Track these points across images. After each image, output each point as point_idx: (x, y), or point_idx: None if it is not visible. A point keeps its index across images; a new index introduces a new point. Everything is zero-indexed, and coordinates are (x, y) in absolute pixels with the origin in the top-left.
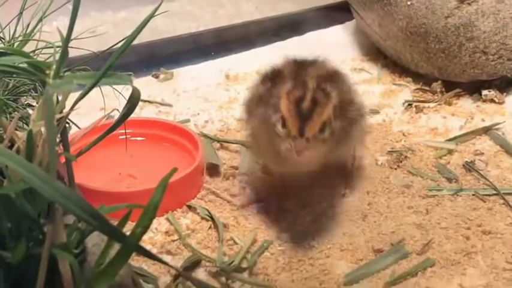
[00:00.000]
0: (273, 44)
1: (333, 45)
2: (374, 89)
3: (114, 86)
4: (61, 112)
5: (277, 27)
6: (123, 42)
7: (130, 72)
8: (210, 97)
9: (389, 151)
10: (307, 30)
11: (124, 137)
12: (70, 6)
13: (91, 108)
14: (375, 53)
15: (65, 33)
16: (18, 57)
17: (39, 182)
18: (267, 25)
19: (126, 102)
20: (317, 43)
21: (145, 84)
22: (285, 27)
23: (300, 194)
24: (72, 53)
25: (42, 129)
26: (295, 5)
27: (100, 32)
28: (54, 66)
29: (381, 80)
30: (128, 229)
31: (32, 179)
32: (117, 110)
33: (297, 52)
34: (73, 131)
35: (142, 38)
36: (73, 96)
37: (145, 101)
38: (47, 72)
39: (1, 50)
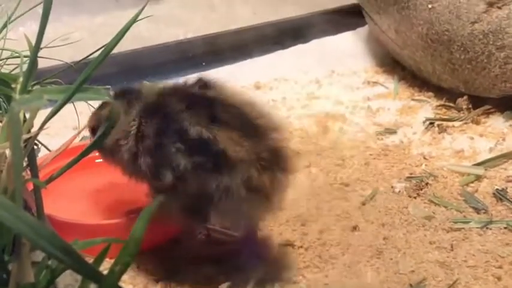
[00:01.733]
0: (274, 53)
1: (343, 55)
2: (390, 105)
3: (90, 102)
4: (29, 132)
5: (278, 33)
6: (100, 51)
7: (108, 86)
8: None
9: (408, 177)
10: (313, 37)
11: (101, 160)
12: (40, 10)
13: (63, 127)
14: (391, 63)
15: (33, 41)
16: None
17: (3, 212)
18: (267, 31)
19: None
20: (324, 52)
21: None
22: (287, 33)
23: (303, 225)
24: (42, 63)
25: (7, 151)
26: (298, 9)
27: (74, 39)
28: (21, 79)
29: (398, 94)
30: (105, 267)
31: None
32: None
33: (301, 62)
34: (42, 153)
35: (123, 47)
36: (42, 113)
37: None
38: (13, 86)
39: None
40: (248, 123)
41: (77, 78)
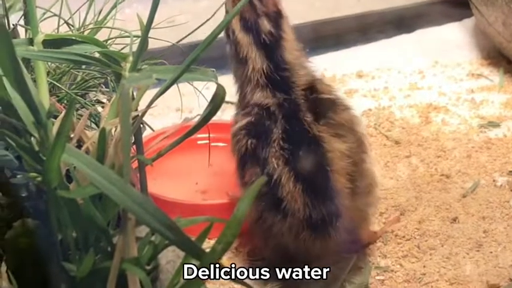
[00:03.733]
0: (377, 42)
1: (448, 46)
2: (494, 98)
3: (194, 84)
4: (136, 110)
5: (382, 22)
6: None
7: (212, 69)
8: None
9: (511, 171)
10: (417, 27)
11: (203, 142)
12: None
13: (166, 108)
14: (497, 56)
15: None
16: (91, 46)
17: (112, 187)
18: (370, 20)
19: (208, 102)
20: (428, 43)
21: (228, 83)
22: (391, 22)
23: (402, 215)
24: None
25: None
26: None
27: (178, 22)
28: (131, 58)
29: (502, 88)
30: (204, 247)
31: (103, 183)
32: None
33: (405, 52)
34: (145, 133)
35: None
36: (147, 94)
37: (227, 102)
38: (123, 64)
39: (71, 38)
40: (325, 181)
41: (180, 61)
